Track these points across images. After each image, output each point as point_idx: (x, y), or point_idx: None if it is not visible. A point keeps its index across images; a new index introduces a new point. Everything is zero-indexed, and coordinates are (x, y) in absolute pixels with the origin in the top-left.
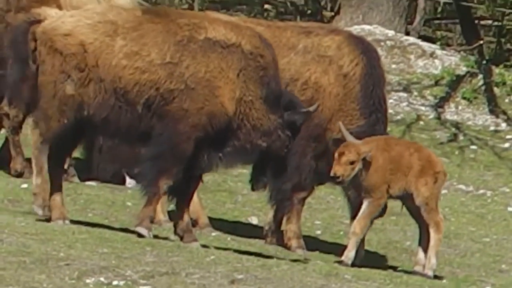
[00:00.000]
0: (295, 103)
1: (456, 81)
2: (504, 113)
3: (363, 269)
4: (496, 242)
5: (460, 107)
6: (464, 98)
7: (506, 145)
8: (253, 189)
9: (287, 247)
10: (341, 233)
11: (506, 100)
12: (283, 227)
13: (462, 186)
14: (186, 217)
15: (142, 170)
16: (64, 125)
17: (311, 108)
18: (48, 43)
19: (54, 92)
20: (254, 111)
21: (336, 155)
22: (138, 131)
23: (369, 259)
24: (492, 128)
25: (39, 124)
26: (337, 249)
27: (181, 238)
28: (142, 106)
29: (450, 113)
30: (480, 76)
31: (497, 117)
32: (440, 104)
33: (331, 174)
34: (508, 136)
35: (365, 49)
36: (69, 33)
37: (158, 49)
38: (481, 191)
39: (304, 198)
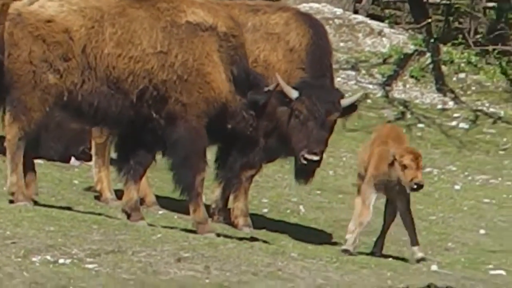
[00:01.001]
0: (258, 81)
1: (404, 60)
2: (452, 91)
3: (309, 247)
4: (443, 220)
5: (407, 86)
6: (412, 76)
7: (453, 123)
8: (224, 172)
9: (234, 225)
10: (288, 211)
11: (454, 79)
12: (230, 205)
13: None
14: (135, 196)
15: (176, 179)
16: (47, 114)
17: (271, 87)
18: (26, 28)
19: (35, 83)
20: (224, 93)
21: (415, 162)
22: (129, 120)
23: (316, 237)
24: (439, 106)
25: (18, 118)
26: (284, 227)
27: (128, 216)
28: (135, 96)
29: (397, 91)
30: (428, 54)
31: (445, 95)
32: (388, 82)
33: (419, 182)
34: (455, 115)
35: (312, 23)
36: (51, 19)
37: (149, 37)
38: (428, 169)
39: (252, 176)
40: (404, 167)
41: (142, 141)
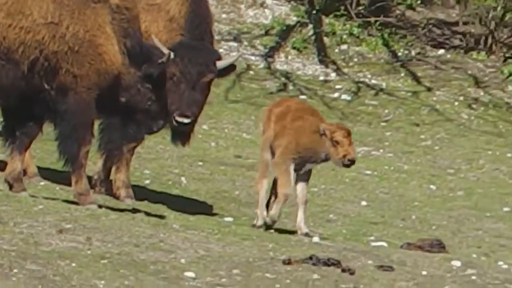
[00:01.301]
0: (152, 54)
1: (286, 31)
2: (334, 63)
3: (191, 218)
4: (324, 192)
5: (290, 57)
6: (294, 48)
7: (335, 94)
8: (119, 144)
9: (116, 197)
10: (170, 182)
11: (336, 50)
12: (112, 177)
13: None
14: (18, 166)
15: (61, 149)
16: None
17: (164, 59)
18: None
19: None
20: (116, 65)
21: (347, 138)
22: (20, 91)
23: (198, 209)
24: (321, 78)
25: None
26: (166, 198)
27: (10, 187)
28: (26, 67)
29: (280, 63)
30: (310, 26)
31: (327, 67)
32: (270, 54)
33: (352, 159)
34: (337, 86)
35: None
36: None
37: (39, 7)
38: None
39: (134, 148)
40: (337, 143)
41: (30, 112)
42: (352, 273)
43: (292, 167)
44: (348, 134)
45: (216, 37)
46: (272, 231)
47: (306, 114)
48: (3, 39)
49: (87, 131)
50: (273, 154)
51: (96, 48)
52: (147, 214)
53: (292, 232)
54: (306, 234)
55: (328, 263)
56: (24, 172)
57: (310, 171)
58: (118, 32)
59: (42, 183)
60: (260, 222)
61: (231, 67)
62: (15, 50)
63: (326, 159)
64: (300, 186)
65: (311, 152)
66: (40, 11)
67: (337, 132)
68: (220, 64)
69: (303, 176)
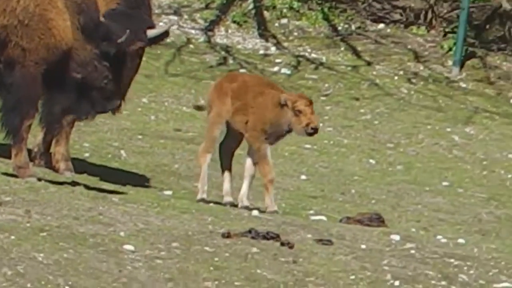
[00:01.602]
0: (112, 33)
1: (226, 5)
2: (274, 37)
3: (131, 191)
4: None
5: (230, 31)
6: (234, 21)
7: (275, 68)
8: (76, 119)
9: (55, 170)
10: (109, 156)
11: (276, 24)
12: (51, 150)
13: None
14: None
15: (3, 122)
16: None
17: (123, 38)
18: None
19: None
20: (67, 40)
21: (309, 107)
22: None
23: (137, 182)
24: (261, 52)
25: None
26: (105, 172)
27: None
28: None
29: (220, 36)
30: (250, 0)
31: (267, 41)
32: (210, 27)
33: (315, 127)
34: (277, 60)
35: None
36: None
37: None
38: None
39: (74, 121)
40: (299, 112)
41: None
42: (291, 247)
43: (268, 150)
44: (310, 103)
45: (156, 11)
46: (211, 204)
47: (265, 88)
48: None
49: (31, 105)
50: (231, 130)
51: (47, 23)
52: (87, 187)
53: (233, 204)
54: (246, 207)
55: (267, 236)
56: None
57: None
58: (71, 7)
59: None
60: (200, 196)
61: (163, 36)
62: None
63: (289, 130)
64: (250, 160)
65: (277, 126)
66: None
67: (299, 101)
68: (150, 32)
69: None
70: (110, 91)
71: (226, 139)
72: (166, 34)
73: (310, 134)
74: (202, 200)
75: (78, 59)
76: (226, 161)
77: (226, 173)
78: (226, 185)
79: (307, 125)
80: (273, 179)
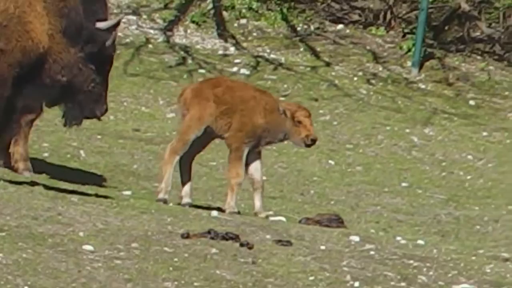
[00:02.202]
0: (95, 35)
1: (185, 5)
2: (233, 37)
3: (89, 192)
4: (223, 166)
5: (189, 31)
6: (193, 21)
7: (235, 69)
8: (65, 125)
9: (14, 170)
10: (68, 155)
11: (235, 24)
12: (10, 149)
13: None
14: None
15: None
16: None
17: (109, 42)
18: None
19: None
20: (54, 45)
21: (309, 118)
22: None
23: (96, 182)
24: (220, 52)
25: None
26: (64, 172)
27: None
28: None
29: (179, 36)
30: (209, 0)
31: (226, 41)
32: (169, 27)
33: (314, 138)
34: (236, 60)
35: None
36: None
37: None
38: None
39: (33, 121)
40: (299, 123)
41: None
42: (250, 248)
43: (245, 153)
44: (309, 114)
45: (115, 10)
46: (171, 204)
47: (256, 93)
48: None
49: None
50: (213, 134)
51: (24, 25)
52: (46, 187)
53: (194, 205)
54: (267, 217)
55: (226, 237)
56: None
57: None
58: (52, 11)
59: None
60: (162, 196)
61: (113, 28)
62: None
63: (283, 139)
64: (254, 167)
65: (272, 133)
66: None
67: (299, 112)
68: (100, 25)
69: (257, 155)
70: (97, 95)
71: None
72: (117, 25)
73: (309, 146)
74: (163, 200)
75: (62, 62)
76: (186, 163)
77: (186, 174)
78: (186, 186)
79: (307, 136)
80: (241, 183)
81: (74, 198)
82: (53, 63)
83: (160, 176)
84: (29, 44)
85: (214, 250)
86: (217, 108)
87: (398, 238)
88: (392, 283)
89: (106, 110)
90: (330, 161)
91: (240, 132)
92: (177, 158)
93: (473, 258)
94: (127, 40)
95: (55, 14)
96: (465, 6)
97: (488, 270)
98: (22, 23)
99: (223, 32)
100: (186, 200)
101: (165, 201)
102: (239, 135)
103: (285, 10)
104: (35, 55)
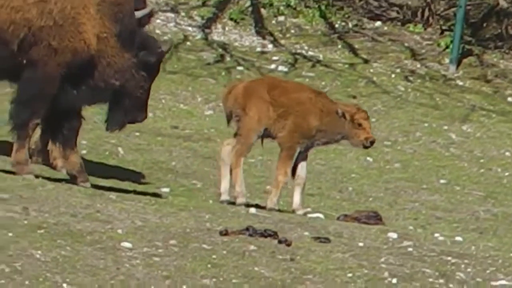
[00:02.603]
0: (150, 42)
1: (223, 2)
2: (271, 34)
3: (128, 188)
4: (261, 163)
5: (227, 28)
6: (231, 19)
7: (272, 66)
8: (107, 129)
9: (53, 167)
10: (107, 153)
11: (273, 22)
12: (49, 147)
13: None
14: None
15: (13, 113)
16: None
17: (164, 48)
18: None
19: None
20: (109, 48)
21: (368, 121)
22: (8, 69)
23: (135, 179)
24: (258, 49)
25: None
26: (102, 169)
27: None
28: (16, 45)
29: (217, 34)
30: None
31: (264, 38)
32: (207, 25)
33: (373, 141)
34: (274, 58)
35: None
36: None
37: None
38: None
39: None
40: (359, 125)
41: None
42: (288, 245)
43: (297, 153)
44: (368, 116)
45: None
46: (210, 201)
47: (311, 94)
48: None
49: (43, 104)
50: (269, 136)
51: (78, 26)
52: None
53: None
54: (305, 214)
55: (264, 234)
56: None
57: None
58: (107, 15)
59: None
60: (242, 200)
61: (147, 16)
62: (6, 30)
63: (339, 140)
64: (300, 165)
65: (324, 134)
66: None
67: (358, 114)
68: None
69: (305, 154)
70: (143, 101)
71: (234, 140)
72: (151, 14)
73: (367, 147)
74: (244, 204)
75: (115, 66)
76: (227, 160)
77: (226, 172)
78: (225, 184)
79: (366, 139)
80: (286, 182)
81: (113, 195)
82: (107, 67)
83: (232, 182)
84: (80, 45)
85: (252, 247)
86: (275, 111)
87: (436, 235)
88: (430, 279)
89: (146, 116)
90: (368, 158)
91: (294, 132)
92: (242, 160)
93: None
94: (166, 37)
95: (110, 18)
96: (503, 3)
97: None
98: (76, 24)
99: (261, 30)
100: (224, 197)
101: (247, 205)
102: (293, 135)
103: (323, 7)
104: (86, 56)
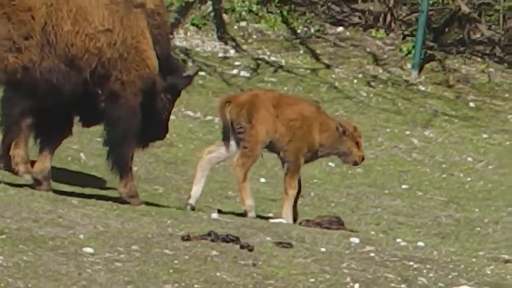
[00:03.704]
0: (177, 66)
1: (185, 8)
2: (233, 39)
3: (90, 194)
4: (224, 169)
5: (189, 34)
6: (193, 24)
7: (235, 71)
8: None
9: (15, 172)
10: (69, 158)
11: (235, 27)
12: (11, 152)
13: (190, 112)
14: (48, 165)
15: (112, 156)
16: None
17: (191, 73)
18: None
19: None
20: (154, 71)
21: (361, 139)
22: (77, 97)
23: (97, 185)
24: (221, 54)
25: None
26: (65, 174)
27: (39, 184)
28: (88, 74)
29: (179, 39)
30: (210, 2)
31: (226, 43)
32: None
33: (362, 158)
34: (236, 63)
35: None
36: None
37: (98, 14)
38: (209, 117)
39: (32, 124)
40: (357, 144)
41: (71, 115)
42: (250, 250)
43: (302, 165)
44: (360, 134)
45: None
46: (172, 208)
47: (312, 111)
48: (71, 46)
49: (135, 136)
50: (270, 149)
51: (141, 54)
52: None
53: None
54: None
55: (226, 239)
56: None
57: None
58: (151, 37)
59: None
60: (253, 214)
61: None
62: (81, 57)
63: (328, 154)
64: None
65: (323, 149)
66: (99, 17)
67: (356, 133)
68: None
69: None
70: (166, 123)
71: (217, 148)
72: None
73: (356, 165)
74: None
75: (155, 90)
76: (207, 169)
77: (201, 179)
78: (196, 189)
79: (359, 157)
80: (295, 194)
81: (75, 200)
82: (155, 91)
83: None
84: (146, 72)
85: (214, 252)
86: (282, 125)
87: (398, 240)
88: (393, 285)
89: (166, 135)
90: (330, 163)
91: (299, 147)
92: (247, 173)
93: (474, 260)
94: None
95: (152, 40)
96: (465, 8)
97: (489, 272)
98: (138, 52)
99: (223, 35)
100: (191, 201)
101: (255, 217)
102: (298, 150)
103: (285, 13)
104: (151, 81)
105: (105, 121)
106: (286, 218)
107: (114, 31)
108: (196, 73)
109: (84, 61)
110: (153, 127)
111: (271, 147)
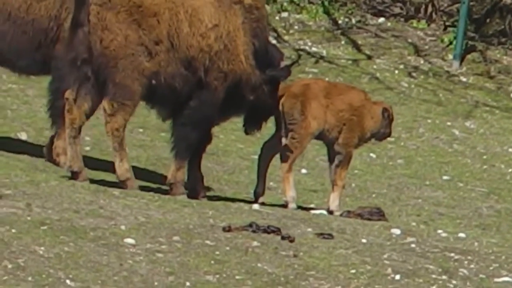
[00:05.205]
0: (275, 58)
1: None
2: (274, 30)
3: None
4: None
5: None
6: None
7: None
8: (246, 133)
9: (56, 163)
10: (110, 149)
11: (277, 18)
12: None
13: None
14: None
15: (180, 135)
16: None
17: (288, 63)
18: (121, 13)
19: (133, 66)
20: (248, 65)
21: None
22: (186, 96)
23: (138, 176)
24: None
25: (124, 103)
26: (106, 165)
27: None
28: (203, 73)
29: None
30: None
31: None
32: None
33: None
34: None
35: None
36: (141, 4)
37: (208, 12)
38: None
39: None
40: (391, 121)
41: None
42: (291, 241)
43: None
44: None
45: None
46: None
47: (361, 99)
48: (190, 48)
49: (210, 129)
50: (321, 138)
51: (237, 48)
52: (88, 180)
53: (232, 200)
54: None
55: (267, 230)
56: None
57: None
58: (248, 32)
59: None
60: (294, 205)
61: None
62: (196, 58)
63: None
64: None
65: (371, 135)
66: (209, 15)
67: (391, 112)
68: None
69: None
70: (268, 116)
71: (273, 138)
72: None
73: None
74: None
75: (251, 83)
76: (265, 161)
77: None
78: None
79: (389, 133)
80: (344, 186)
81: (116, 191)
82: (245, 84)
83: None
84: (240, 67)
85: (255, 243)
86: (331, 116)
87: (439, 231)
88: (433, 276)
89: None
90: (371, 154)
91: (353, 137)
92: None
93: None
94: None
95: (250, 34)
96: None
97: None
98: (235, 45)
99: None
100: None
101: (296, 208)
102: (352, 140)
103: (326, 3)
104: (240, 77)
105: (192, 103)
106: (335, 209)
107: (220, 25)
108: (293, 64)
109: (199, 61)
110: (256, 119)
111: (319, 136)
